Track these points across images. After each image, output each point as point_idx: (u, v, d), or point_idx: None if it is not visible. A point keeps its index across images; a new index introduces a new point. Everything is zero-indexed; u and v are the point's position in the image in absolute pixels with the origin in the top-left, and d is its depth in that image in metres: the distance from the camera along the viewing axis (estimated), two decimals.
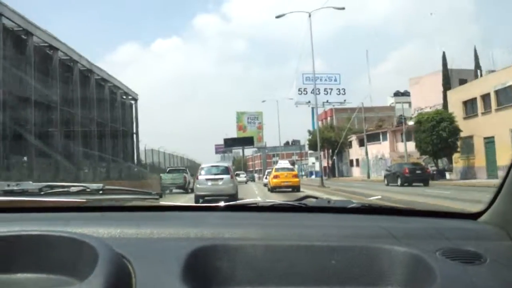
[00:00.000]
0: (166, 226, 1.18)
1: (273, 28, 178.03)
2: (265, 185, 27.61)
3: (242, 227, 1.19)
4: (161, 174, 25.20)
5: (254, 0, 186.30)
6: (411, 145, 35.44)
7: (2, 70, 15.37)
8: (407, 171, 25.60)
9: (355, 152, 52.97)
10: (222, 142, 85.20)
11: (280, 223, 1.27)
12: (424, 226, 1.25)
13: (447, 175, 32.13)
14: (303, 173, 73.10)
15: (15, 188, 1.59)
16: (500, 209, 1.26)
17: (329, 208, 1.50)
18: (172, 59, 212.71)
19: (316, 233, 1.17)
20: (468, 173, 29.61)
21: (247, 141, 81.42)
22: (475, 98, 29.17)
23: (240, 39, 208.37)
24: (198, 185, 15.47)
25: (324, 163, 44.50)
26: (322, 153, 46.15)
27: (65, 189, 1.66)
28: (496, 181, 1.40)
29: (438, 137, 28.74)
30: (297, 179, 22.98)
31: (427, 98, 41.04)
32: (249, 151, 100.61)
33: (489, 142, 27.17)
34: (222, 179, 15.21)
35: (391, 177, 27.19)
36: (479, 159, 28.49)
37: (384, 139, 46.47)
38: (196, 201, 13.93)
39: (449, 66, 38.65)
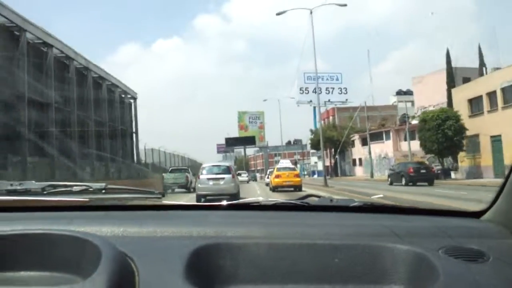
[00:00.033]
0: (169, 225, 1.19)
1: (273, 28, 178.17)
2: (267, 184, 27.52)
3: (244, 225, 1.20)
4: (163, 174, 25.32)
5: (255, 0, 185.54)
6: (414, 144, 35.16)
7: None
8: (411, 170, 25.28)
9: (358, 151, 52.55)
10: (223, 142, 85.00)
11: (283, 222, 1.28)
12: (426, 224, 1.26)
13: (452, 175, 31.60)
14: (305, 172, 72.86)
15: (18, 187, 1.59)
16: (502, 208, 1.27)
17: (332, 207, 1.50)
18: (173, 60, 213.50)
19: (319, 232, 1.17)
20: (474, 172, 29.03)
21: (248, 141, 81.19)
22: (481, 96, 28.56)
23: (241, 39, 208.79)
24: (199, 185, 15.43)
25: (327, 163, 44.03)
26: (324, 152, 45.79)
27: (68, 189, 1.66)
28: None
29: (444, 135, 28.14)
30: (298, 179, 22.90)
31: (430, 96, 40.51)
32: (251, 151, 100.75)
33: (496, 140, 26.58)
34: (223, 178, 15.19)
35: (395, 177, 26.86)
36: (486, 158, 27.90)
37: (387, 138, 45.99)
38: (198, 201, 13.79)
39: (452, 65, 37.98)
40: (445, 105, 33.97)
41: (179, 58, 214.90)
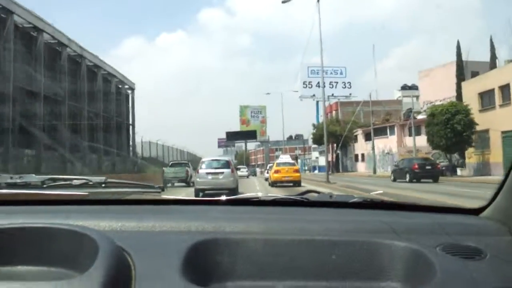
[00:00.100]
0: (168, 219, 1.18)
1: (278, 22, 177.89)
2: (267, 179, 27.26)
3: (243, 221, 1.19)
4: (163, 168, 25.27)
5: None
6: (419, 140, 34.49)
7: None
8: (416, 166, 24.50)
9: (360, 146, 51.70)
10: (224, 136, 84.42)
11: (282, 218, 1.27)
12: (425, 221, 1.26)
13: (458, 171, 30.55)
14: (306, 167, 72.16)
15: (18, 180, 1.59)
16: (501, 205, 1.27)
17: (331, 202, 1.50)
18: (177, 53, 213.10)
19: (318, 228, 1.17)
20: (483, 169, 27.98)
21: (249, 135, 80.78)
22: (493, 90, 27.43)
23: (245, 34, 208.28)
24: (198, 179, 15.37)
25: (328, 158, 43.20)
26: (325, 147, 44.98)
27: (68, 182, 1.64)
28: None
29: (452, 130, 27.03)
30: (298, 174, 22.70)
31: (437, 91, 39.62)
32: (252, 145, 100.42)
33: (507, 136, 25.49)
34: (222, 173, 15.12)
35: (399, 173, 26.14)
36: (495, 154, 26.78)
37: (392, 133, 45.06)
38: (196, 195, 13.90)
39: (463, 58, 36.92)
40: (453, 100, 32.86)
41: (183, 52, 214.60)
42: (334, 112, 61.50)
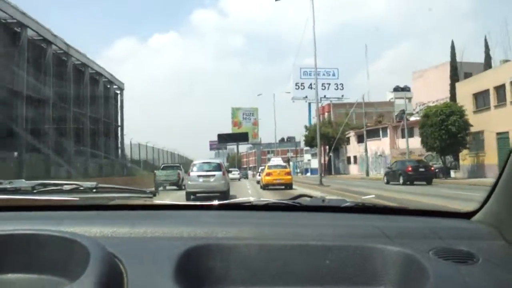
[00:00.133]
0: (160, 225, 1.18)
1: (270, 23, 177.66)
2: (258, 182, 26.94)
3: (236, 226, 1.19)
4: (155, 171, 25.16)
5: None
6: (412, 142, 34.37)
7: None
8: (409, 169, 24.35)
9: (353, 148, 51.36)
10: (216, 139, 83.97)
11: (274, 222, 1.26)
12: (417, 225, 1.26)
13: (452, 173, 30.22)
14: (298, 170, 71.81)
15: (8, 186, 1.56)
16: (493, 209, 1.27)
17: (324, 207, 1.51)
18: (169, 54, 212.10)
19: (311, 233, 1.16)
20: (477, 171, 27.70)
21: (241, 137, 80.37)
22: (487, 90, 27.18)
23: (238, 35, 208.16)
24: (189, 182, 15.24)
25: (321, 160, 42.75)
26: (318, 149, 44.64)
27: (58, 187, 1.61)
28: None
29: (447, 132, 26.70)
30: (289, 177, 22.77)
31: (430, 92, 39.60)
32: (244, 148, 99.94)
33: (502, 138, 25.20)
34: (214, 175, 14.98)
35: (392, 175, 25.89)
36: (490, 156, 26.46)
37: (384, 135, 44.71)
38: (188, 198, 13.96)
39: (457, 58, 36.73)
40: (447, 101, 32.61)
41: (176, 53, 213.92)
42: (326, 114, 61.35)
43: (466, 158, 29.45)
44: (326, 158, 54.82)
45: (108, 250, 0.95)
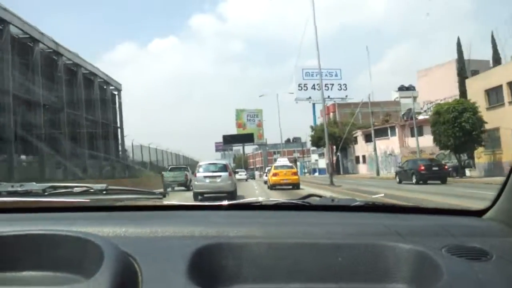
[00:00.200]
0: (171, 224, 1.19)
1: (269, 27, 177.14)
2: (265, 182, 27.12)
3: (246, 225, 1.20)
4: (162, 172, 25.31)
5: (250, 0, 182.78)
6: (422, 140, 33.61)
7: None
8: (422, 167, 23.59)
9: (361, 148, 50.43)
10: (222, 140, 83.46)
11: (284, 221, 1.27)
12: (429, 223, 1.25)
13: (467, 172, 29.04)
14: (305, 170, 70.98)
15: (19, 189, 1.59)
16: (504, 206, 1.27)
17: (333, 206, 1.52)
18: (170, 59, 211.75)
19: (321, 231, 1.17)
20: (494, 169, 26.40)
21: (246, 138, 79.73)
22: (500, 86, 26.03)
23: (237, 39, 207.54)
24: (196, 182, 15.43)
25: (328, 160, 41.98)
26: (326, 149, 44.04)
27: (69, 190, 1.65)
28: None
29: (461, 129, 25.43)
30: (296, 177, 22.84)
31: (436, 90, 38.77)
32: (249, 149, 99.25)
33: None
34: (220, 176, 15.16)
35: (404, 175, 25.15)
36: (507, 154, 25.19)
37: (393, 134, 43.72)
38: (195, 198, 14.12)
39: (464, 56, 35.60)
40: (457, 98, 31.32)
41: (176, 58, 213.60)
42: (331, 114, 60.60)
43: (481, 156, 28.24)
44: (334, 158, 53.88)
45: (121, 249, 0.96)
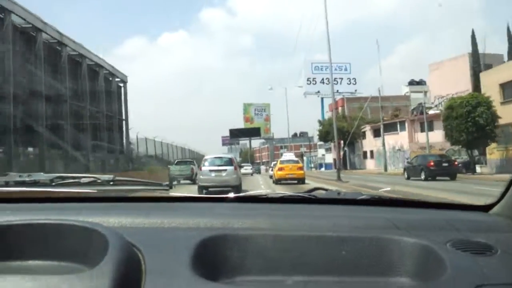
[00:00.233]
0: (176, 216, 1.20)
1: (279, 21, 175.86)
2: (271, 177, 26.91)
3: (251, 217, 1.20)
4: (169, 166, 25.39)
5: None
6: (432, 136, 33.21)
7: None
8: (432, 163, 23.12)
9: (369, 143, 49.73)
10: (228, 134, 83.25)
11: (290, 214, 1.27)
12: (434, 217, 1.25)
13: (478, 168, 28.34)
14: (312, 165, 70.53)
15: (27, 179, 1.61)
16: (511, 202, 1.26)
17: (339, 199, 1.52)
18: (179, 53, 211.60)
19: (326, 224, 1.17)
20: (506, 165, 25.83)
21: (253, 132, 79.46)
22: None
23: (247, 33, 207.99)
24: (201, 176, 15.51)
25: (335, 155, 41.42)
26: (333, 144, 43.42)
27: (76, 180, 1.67)
28: None
29: (474, 124, 24.80)
30: (302, 172, 22.87)
31: (448, 84, 37.99)
32: (256, 143, 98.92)
33: None
34: (225, 170, 15.20)
35: (413, 170, 24.63)
36: None
37: (402, 129, 42.97)
38: (200, 192, 13.94)
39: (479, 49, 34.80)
40: (469, 92, 30.57)
41: (185, 52, 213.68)
42: (340, 108, 59.92)
43: (493, 152, 27.59)
44: (341, 153, 53.32)
45: (126, 239, 0.96)
